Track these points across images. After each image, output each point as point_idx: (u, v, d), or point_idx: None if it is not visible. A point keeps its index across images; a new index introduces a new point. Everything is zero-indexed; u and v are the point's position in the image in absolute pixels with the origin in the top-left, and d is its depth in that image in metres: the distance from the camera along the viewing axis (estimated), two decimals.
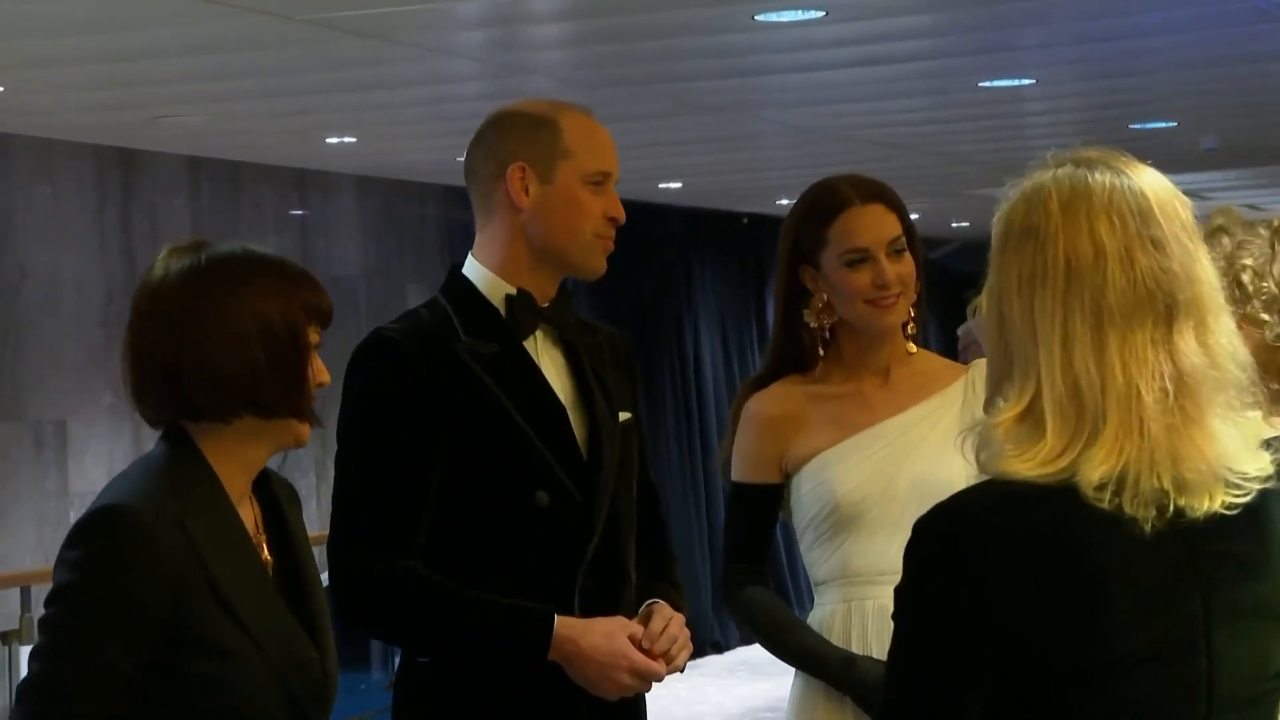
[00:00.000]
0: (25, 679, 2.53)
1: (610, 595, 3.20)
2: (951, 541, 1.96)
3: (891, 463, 3.45)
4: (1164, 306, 1.99)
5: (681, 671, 3.22)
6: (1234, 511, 1.98)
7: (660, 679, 3.15)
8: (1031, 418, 1.98)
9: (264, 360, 2.58)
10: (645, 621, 3.17)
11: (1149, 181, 2.04)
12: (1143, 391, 1.96)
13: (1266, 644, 2.03)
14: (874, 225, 3.46)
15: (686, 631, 3.20)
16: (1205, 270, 2.03)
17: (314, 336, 2.63)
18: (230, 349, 2.57)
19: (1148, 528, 1.95)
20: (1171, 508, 1.96)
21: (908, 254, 3.49)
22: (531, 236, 3.20)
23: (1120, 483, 1.94)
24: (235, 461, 2.62)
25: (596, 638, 3.09)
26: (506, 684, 3.12)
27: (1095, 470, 1.94)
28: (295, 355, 2.60)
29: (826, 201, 3.50)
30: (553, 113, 3.21)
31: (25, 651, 6.11)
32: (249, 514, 2.67)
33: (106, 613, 2.49)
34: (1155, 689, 1.96)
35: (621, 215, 3.23)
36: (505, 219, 3.21)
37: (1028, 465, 1.95)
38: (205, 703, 2.53)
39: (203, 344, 2.57)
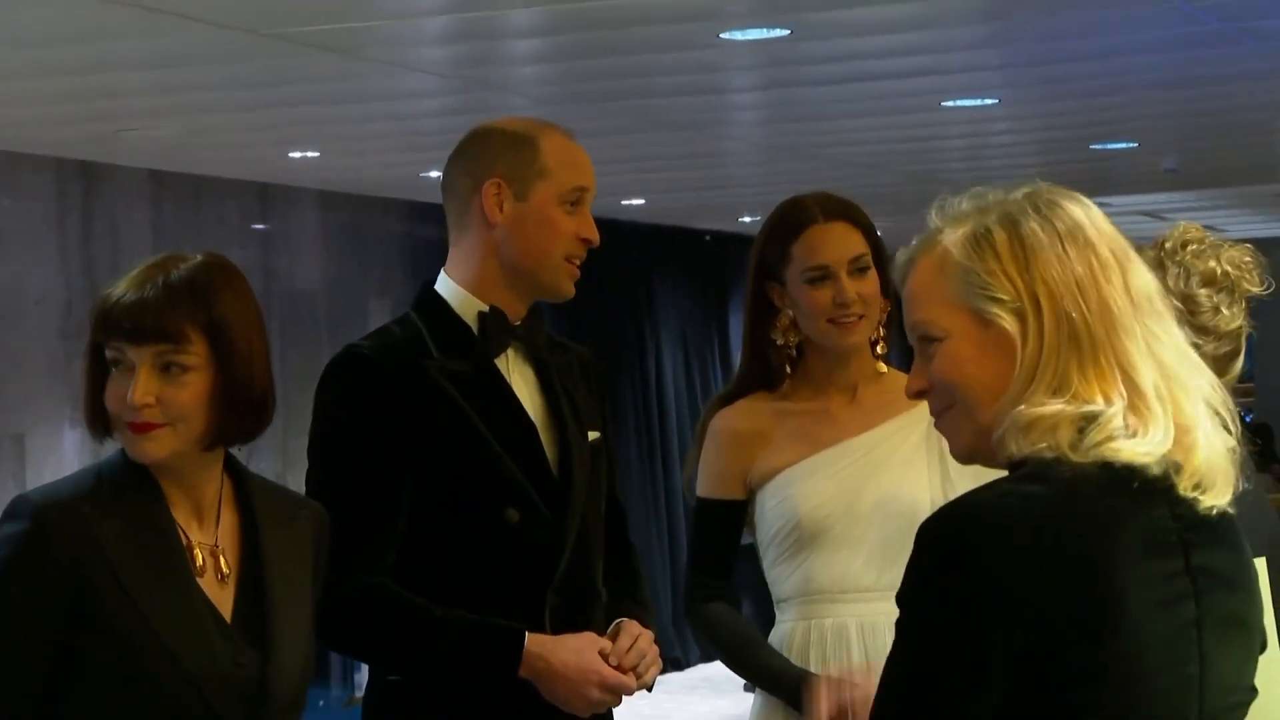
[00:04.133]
0: None
1: (580, 613, 3.20)
2: (961, 548, 1.95)
3: (856, 481, 3.45)
4: (1149, 313, 2.05)
5: (650, 689, 3.22)
6: (1222, 517, 2.03)
7: (630, 693, 3.15)
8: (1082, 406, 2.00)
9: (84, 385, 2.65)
10: (614, 638, 3.17)
11: (1084, 209, 2.12)
12: (1144, 389, 2.01)
13: (1243, 655, 2.08)
14: (836, 242, 3.47)
15: (655, 648, 3.20)
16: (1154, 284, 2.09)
17: (123, 354, 2.60)
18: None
19: (1154, 530, 1.98)
20: (1173, 511, 2.00)
21: (872, 272, 3.49)
22: (503, 254, 3.20)
23: (1128, 480, 1.97)
24: (163, 470, 2.62)
25: (567, 654, 3.09)
26: (477, 702, 3.12)
27: (1118, 457, 1.97)
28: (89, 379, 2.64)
29: (791, 218, 3.51)
30: (533, 131, 3.21)
31: None
32: (226, 521, 2.68)
33: (11, 587, 2.53)
34: (1158, 692, 1.98)
35: (595, 237, 3.23)
36: (479, 234, 3.21)
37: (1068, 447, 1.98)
38: (117, 696, 2.54)
39: None
